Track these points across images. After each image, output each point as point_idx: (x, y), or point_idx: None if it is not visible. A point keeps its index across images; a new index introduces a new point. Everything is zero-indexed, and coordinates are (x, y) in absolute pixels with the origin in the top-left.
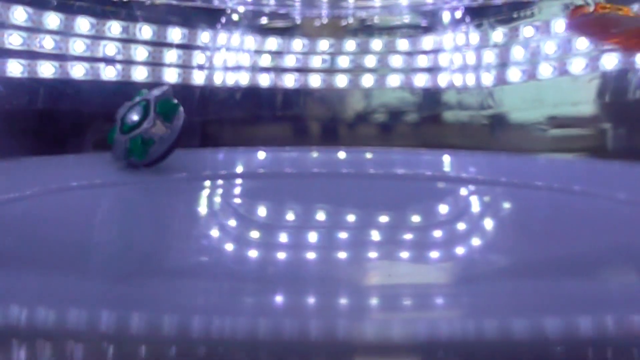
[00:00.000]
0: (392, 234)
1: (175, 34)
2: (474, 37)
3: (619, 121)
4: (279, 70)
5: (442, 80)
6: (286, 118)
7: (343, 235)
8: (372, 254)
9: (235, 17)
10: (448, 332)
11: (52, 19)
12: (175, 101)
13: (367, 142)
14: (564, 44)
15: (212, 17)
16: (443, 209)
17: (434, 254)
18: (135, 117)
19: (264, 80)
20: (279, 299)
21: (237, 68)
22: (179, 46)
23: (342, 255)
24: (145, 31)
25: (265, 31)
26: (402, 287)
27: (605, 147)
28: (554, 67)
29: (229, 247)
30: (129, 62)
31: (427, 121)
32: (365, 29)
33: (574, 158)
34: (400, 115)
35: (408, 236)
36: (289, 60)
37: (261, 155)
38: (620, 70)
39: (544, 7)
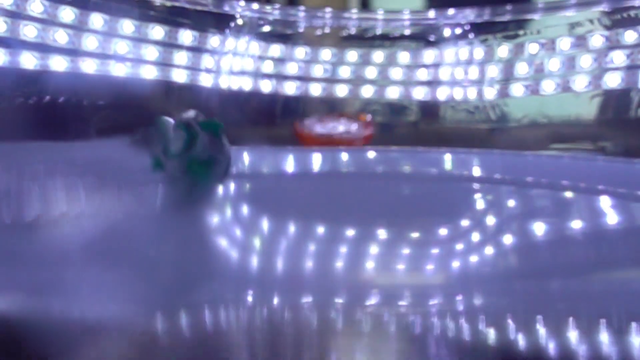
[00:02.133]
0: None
1: (186, 36)
2: (479, 51)
3: (619, 137)
4: (281, 77)
5: (442, 94)
6: (287, 122)
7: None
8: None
9: (240, 21)
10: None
11: (67, 14)
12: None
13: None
14: (568, 61)
15: (221, 22)
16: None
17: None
18: (179, 141)
19: (267, 86)
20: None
21: (242, 73)
22: (189, 48)
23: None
24: (157, 32)
25: (269, 38)
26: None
27: None
28: (557, 84)
29: (237, 246)
30: (139, 61)
31: (426, 129)
32: (367, 40)
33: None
34: (398, 124)
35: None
36: (291, 68)
37: (265, 155)
38: (623, 89)
39: (550, 25)
